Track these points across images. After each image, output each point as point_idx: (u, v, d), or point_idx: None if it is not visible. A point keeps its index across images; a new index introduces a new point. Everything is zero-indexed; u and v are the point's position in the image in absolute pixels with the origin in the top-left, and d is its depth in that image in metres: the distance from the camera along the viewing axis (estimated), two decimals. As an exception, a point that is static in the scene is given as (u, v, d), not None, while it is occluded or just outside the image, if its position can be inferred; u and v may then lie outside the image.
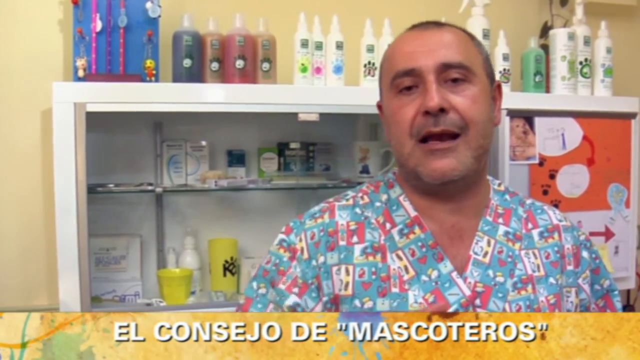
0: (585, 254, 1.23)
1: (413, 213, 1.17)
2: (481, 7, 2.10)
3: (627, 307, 2.46)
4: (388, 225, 1.17)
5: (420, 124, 1.09)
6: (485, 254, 1.15)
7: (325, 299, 1.14)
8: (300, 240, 1.18)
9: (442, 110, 1.07)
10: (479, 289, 1.12)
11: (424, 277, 1.12)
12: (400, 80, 1.12)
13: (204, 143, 2.11)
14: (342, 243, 1.16)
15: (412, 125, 1.10)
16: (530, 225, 1.22)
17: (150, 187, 2.01)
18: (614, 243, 2.25)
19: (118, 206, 2.06)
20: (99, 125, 1.84)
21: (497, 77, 2.07)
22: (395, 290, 1.12)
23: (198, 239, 2.10)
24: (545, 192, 2.12)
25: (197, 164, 2.09)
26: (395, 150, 1.16)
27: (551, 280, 1.17)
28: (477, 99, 1.10)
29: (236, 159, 2.15)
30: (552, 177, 2.13)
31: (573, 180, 2.17)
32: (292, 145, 2.17)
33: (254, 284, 1.20)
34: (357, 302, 1.12)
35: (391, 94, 1.14)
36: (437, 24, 1.16)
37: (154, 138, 2.08)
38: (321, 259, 1.15)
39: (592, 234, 2.18)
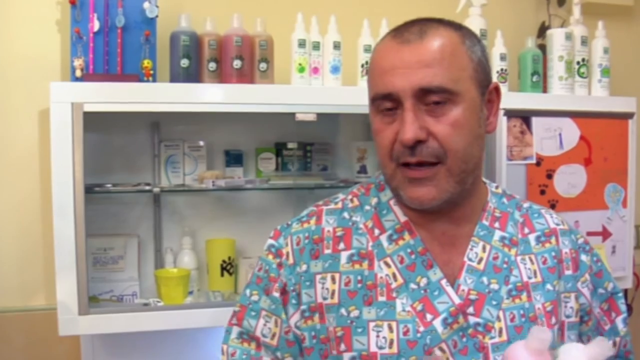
0: (584, 257, 1.22)
1: (403, 218, 1.15)
2: (478, 7, 2.10)
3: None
4: (377, 231, 1.15)
5: (399, 151, 1.07)
6: (480, 260, 1.13)
7: (303, 307, 1.13)
8: (287, 244, 1.17)
9: (420, 142, 1.04)
10: (472, 297, 1.11)
11: (412, 285, 1.11)
12: (379, 102, 1.09)
13: (201, 143, 2.10)
14: (327, 251, 1.15)
15: (392, 149, 1.08)
16: (526, 230, 1.20)
17: (147, 187, 2.00)
18: (611, 243, 2.25)
19: (115, 206, 2.06)
20: (96, 125, 1.84)
21: (495, 77, 2.08)
22: (382, 298, 1.10)
23: (196, 239, 2.10)
24: (542, 192, 2.12)
25: (195, 164, 2.09)
26: (380, 167, 1.14)
27: (548, 286, 1.16)
28: (458, 123, 1.05)
29: (234, 159, 2.15)
30: (550, 177, 2.14)
31: (570, 180, 2.17)
32: (290, 145, 2.16)
33: (247, 291, 1.21)
34: (343, 311, 1.11)
35: (373, 109, 1.12)
36: (420, 30, 1.09)
37: (151, 138, 2.08)
38: (304, 267, 1.14)
39: (589, 233, 2.18)
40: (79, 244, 1.73)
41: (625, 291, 2.49)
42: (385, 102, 1.08)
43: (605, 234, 2.24)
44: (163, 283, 1.92)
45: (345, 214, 1.19)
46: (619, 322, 1.24)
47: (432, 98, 1.04)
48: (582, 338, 1.21)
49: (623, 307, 1.25)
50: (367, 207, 1.19)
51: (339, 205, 1.21)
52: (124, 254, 2.01)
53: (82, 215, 1.72)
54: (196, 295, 2.03)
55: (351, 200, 1.21)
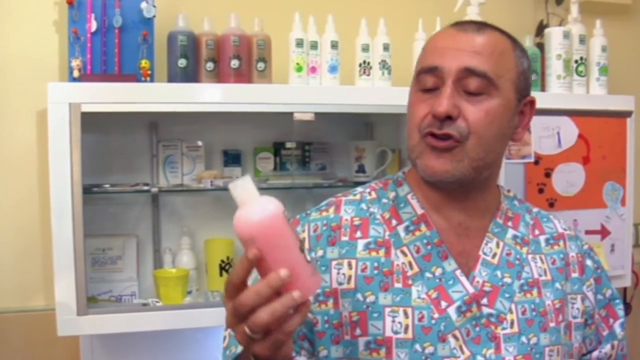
0: (589, 262, 1.26)
1: (420, 211, 1.19)
2: (476, 5, 2.10)
3: (624, 305, 2.46)
4: (394, 222, 1.18)
5: (428, 123, 1.11)
6: (494, 255, 1.17)
7: (317, 291, 1.15)
8: (304, 231, 1.20)
9: (450, 118, 1.08)
10: (486, 288, 1.14)
11: (427, 274, 1.14)
12: (423, 77, 1.13)
13: (199, 143, 2.10)
14: (344, 238, 1.17)
15: (422, 122, 1.12)
16: (537, 232, 1.24)
17: (146, 187, 2.00)
18: (610, 241, 2.25)
19: (114, 206, 2.06)
20: (94, 126, 1.84)
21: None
22: (398, 285, 1.13)
23: (194, 238, 2.10)
24: (540, 191, 2.12)
25: (193, 164, 2.09)
26: (407, 141, 1.18)
27: (557, 285, 1.19)
28: (491, 113, 1.10)
29: (232, 158, 2.15)
30: (548, 175, 2.14)
31: (569, 178, 2.17)
32: (288, 145, 2.16)
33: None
34: (359, 296, 1.14)
35: (415, 87, 1.16)
36: (479, 26, 1.15)
37: (149, 138, 2.08)
38: (320, 252, 1.16)
39: (587, 232, 2.19)
40: (78, 245, 1.72)
41: (624, 289, 2.50)
42: (429, 77, 1.12)
43: (604, 232, 2.24)
44: (162, 283, 1.92)
45: (363, 205, 1.21)
46: (617, 326, 1.28)
47: (472, 84, 1.09)
48: (585, 341, 1.24)
49: (620, 312, 1.29)
50: (385, 200, 1.22)
51: (357, 197, 1.23)
52: (123, 254, 2.01)
53: (80, 215, 1.72)
54: (195, 295, 2.03)
55: (369, 193, 1.24)
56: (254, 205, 0.85)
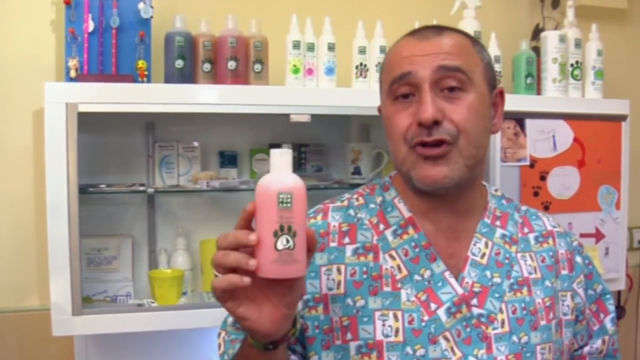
0: (578, 259, 1.26)
1: (407, 214, 1.19)
2: (473, 9, 2.11)
3: (618, 308, 2.46)
4: (382, 227, 1.19)
5: (414, 133, 1.10)
6: (483, 255, 1.17)
7: (307, 297, 1.16)
8: None
9: (436, 123, 1.08)
10: (476, 289, 1.14)
11: (416, 277, 1.14)
12: (397, 86, 1.12)
13: (196, 144, 2.11)
14: (332, 244, 1.18)
15: (407, 132, 1.11)
16: (526, 230, 1.24)
17: (142, 188, 2.00)
18: (605, 244, 2.26)
19: (110, 206, 2.06)
20: (90, 126, 1.84)
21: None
22: (387, 289, 1.14)
23: (190, 239, 2.10)
24: (536, 194, 2.13)
25: (189, 165, 2.09)
26: (392, 154, 1.18)
27: (547, 283, 1.20)
28: (472, 108, 1.10)
29: (228, 159, 2.15)
30: (543, 178, 2.14)
31: (564, 182, 2.18)
32: (284, 147, 2.16)
33: None
34: (349, 301, 1.14)
35: (389, 100, 1.15)
36: (437, 29, 1.15)
37: (146, 139, 2.08)
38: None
39: (582, 235, 2.19)
40: (73, 245, 1.72)
41: (619, 293, 2.51)
42: (402, 86, 1.12)
43: (598, 235, 2.25)
44: (157, 284, 1.92)
45: (351, 211, 1.22)
46: (607, 321, 1.28)
47: (448, 82, 1.10)
48: (577, 337, 1.25)
49: (611, 308, 1.29)
50: (372, 205, 1.22)
51: (345, 203, 1.24)
52: (118, 255, 2.01)
53: (76, 215, 1.72)
54: (190, 296, 2.03)
55: (356, 199, 1.24)
56: (273, 174, 0.95)
